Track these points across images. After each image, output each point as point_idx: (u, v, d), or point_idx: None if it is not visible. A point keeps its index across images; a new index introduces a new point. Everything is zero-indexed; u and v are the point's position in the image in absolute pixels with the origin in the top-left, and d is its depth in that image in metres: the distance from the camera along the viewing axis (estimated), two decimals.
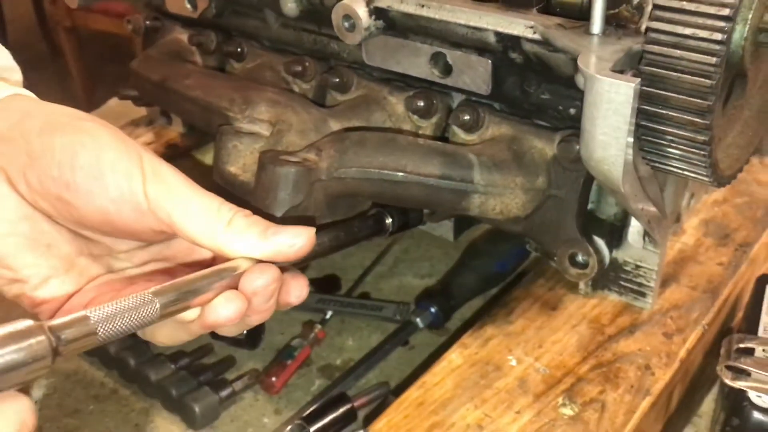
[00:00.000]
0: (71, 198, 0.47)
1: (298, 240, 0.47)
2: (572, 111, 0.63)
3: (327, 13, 0.70)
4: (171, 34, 0.91)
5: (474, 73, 0.64)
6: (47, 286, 0.49)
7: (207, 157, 0.96)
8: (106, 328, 0.40)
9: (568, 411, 0.58)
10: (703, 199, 0.78)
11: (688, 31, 0.46)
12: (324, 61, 0.79)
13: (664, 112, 0.50)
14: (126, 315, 0.41)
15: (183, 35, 0.90)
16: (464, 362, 0.62)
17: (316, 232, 0.59)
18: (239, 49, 0.84)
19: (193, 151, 0.95)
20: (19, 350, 0.36)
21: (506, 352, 0.63)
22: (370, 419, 0.68)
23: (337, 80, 0.75)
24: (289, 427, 0.73)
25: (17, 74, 0.61)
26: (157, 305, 0.42)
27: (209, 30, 0.87)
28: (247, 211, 0.48)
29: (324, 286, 0.92)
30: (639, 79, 0.46)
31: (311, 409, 0.74)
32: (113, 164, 0.47)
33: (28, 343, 0.36)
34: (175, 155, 0.95)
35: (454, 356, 0.63)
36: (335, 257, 0.94)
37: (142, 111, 1.05)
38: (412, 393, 0.60)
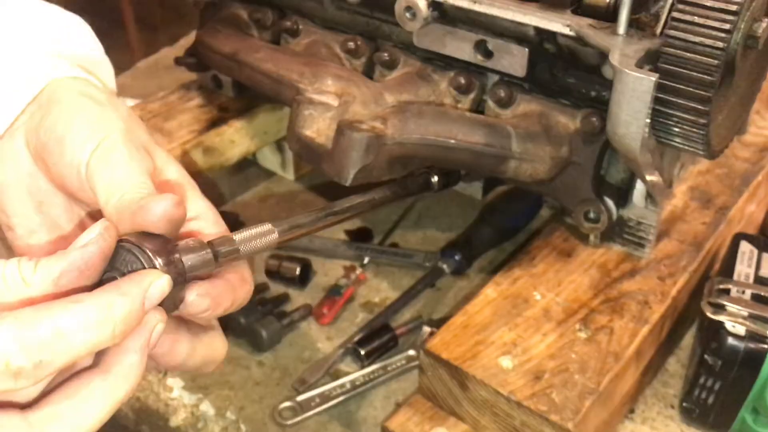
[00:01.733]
0: (45, 158, 0.52)
1: (156, 207, 0.45)
2: (593, 93, 0.76)
3: (383, 0, 0.83)
4: (229, 8, 1.02)
5: (512, 59, 0.78)
6: (31, 238, 0.53)
7: (255, 120, 1.07)
8: (244, 247, 0.51)
9: (583, 334, 0.72)
10: (690, 169, 0.93)
11: (697, 39, 0.60)
12: (372, 40, 0.91)
13: (673, 99, 0.64)
14: (257, 238, 0.53)
15: (241, 11, 1.01)
16: (498, 296, 0.77)
17: (381, 186, 0.73)
18: (295, 27, 0.96)
19: (243, 115, 1.07)
20: (197, 257, 0.47)
21: (532, 289, 0.77)
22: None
23: (387, 58, 0.87)
24: (341, 351, 0.88)
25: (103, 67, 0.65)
26: (276, 233, 0.54)
27: (266, 7, 0.99)
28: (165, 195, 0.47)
29: (359, 236, 1.05)
30: (658, 74, 0.60)
31: (361, 335, 0.88)
32: (76, 135, 0.50)
33: (202, 253, 0.48)
34: (227, 117, 1.06)
35: (489, 291, 0.77)
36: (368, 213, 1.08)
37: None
38: (458, 319, 0.74)
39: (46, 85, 0.54)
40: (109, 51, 0.67)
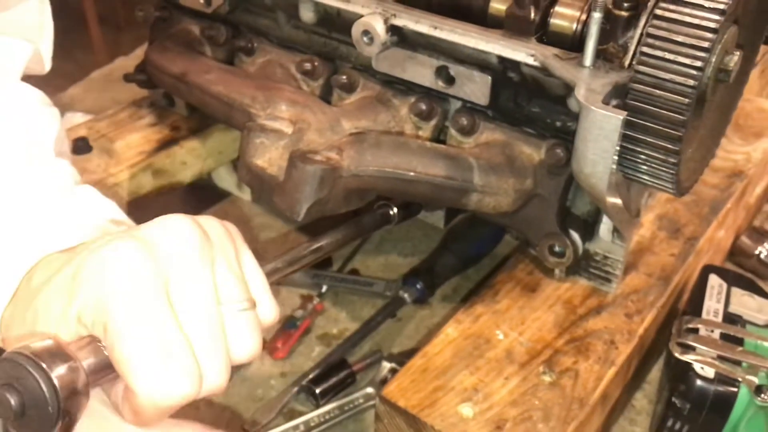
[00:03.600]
0: None
1: None
2: (558, 123, 0.73)
3: (341, 21, 0.79)
4: (180, 24, 0.97)
5: (474, 86, 0.74)
6: None
7: (209, 140, 1.03)
8: None
9: (547, 378, 0.69)
10: (658, 197, 0.90)
11: (667, 76, 0.57)
12: (330, 61, 0.87)
13: (642, 137, 0.60)
14: None
15: (193, 26, 0.96)
16: (459, 335, 0.73)
17: (336, 228, 0.70)
18: (249, 45, 0.92)
19: (196, 135, 1.02)
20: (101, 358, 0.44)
21: (494, 328, 0.74)
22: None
23: (346, 81, 0.83)
24: (295, 389, 0.83)
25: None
26: None
27: (219, 24, 0.94)
28: None
29: (318, 262, 1.01)
30: (626, 112, 0.57)
31: (316, 373, 0.84)
32: None
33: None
34: (179, 138, 1.02)
35: (450, 330, 0.73)
36: None
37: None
38: (417, 361, 0.70)
39: None
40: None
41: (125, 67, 1.14)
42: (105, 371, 0.44)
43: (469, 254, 0.99)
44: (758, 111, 1.08)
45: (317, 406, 0.81)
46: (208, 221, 0.48)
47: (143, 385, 0.42)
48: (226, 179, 1.11)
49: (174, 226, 0.46)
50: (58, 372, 0.41)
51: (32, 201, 0.57)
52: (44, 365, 0.40)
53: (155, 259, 0.44)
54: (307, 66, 0.86)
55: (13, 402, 0.41)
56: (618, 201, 0.66)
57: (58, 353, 0.41)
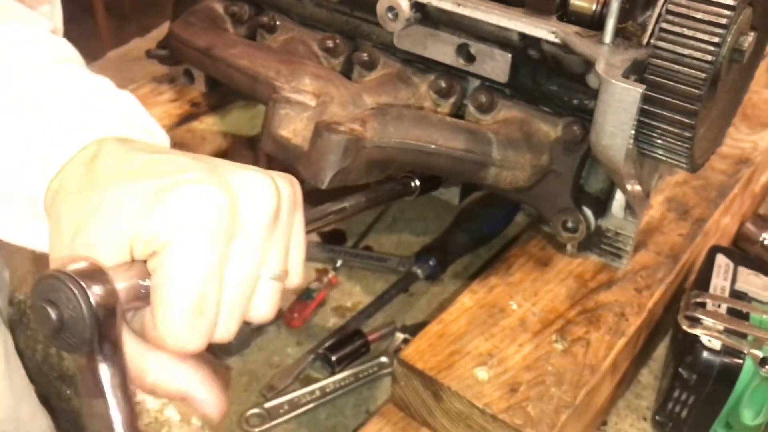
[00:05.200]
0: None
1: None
2: (575, 102, 0.75)
3: (364, 0, 0.81)
4: (203, 1, 0.99)
5: (495, 64, 0.76)
6: None
7: (228, 117, 1.05)
8: None
9: (559, 346, 0.71)
10: (668, 180, 0.93)
11: (685, 51, 0.59)
12: (351, 40, 0.89)
13: (659, 111, 0.63)
14: None
15: (216, 4, 0.98)
16: (474, 304, 0.75)
17: (357, 192, 0.72)
18: (272, 23, 0.94)
19: (215, 111, 1.04)
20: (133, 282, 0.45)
21: (508, 298, 0.76)
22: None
23: (366, 59, 0.85)
24: (312, 356, 0.86)
25: None
26: None
27: (242, 1, 0.96)
28: None
29: (332, 238, 1.03)
30: (645, 86, 0.59)
31: (332, 341, 0.86)
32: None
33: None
34: (199, 113, 1.04)
35: (465, 299, 0.76)
36: None
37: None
38: (433, 327, 0.72)
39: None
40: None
41: (141, 48, 1.17)
42: (137, 301, 0.45)
43: (480, 233, 1.01)
44: (765, 102, 1.11)
45: (332, 373, 0.84)
46: (283, 182, 0.48)
47: (165, 329, 0.43)
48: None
49: (257, 188, 0.46)
50: (96, 291, 0.42)
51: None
52: (83, 283, 0.42)
53: (233, 218, 0.44)
54: (329, 43, 0.88)
55: (53, 316, 0.42)
56: (633, 174, 0.68)
57: (97, 274, 0.43)
